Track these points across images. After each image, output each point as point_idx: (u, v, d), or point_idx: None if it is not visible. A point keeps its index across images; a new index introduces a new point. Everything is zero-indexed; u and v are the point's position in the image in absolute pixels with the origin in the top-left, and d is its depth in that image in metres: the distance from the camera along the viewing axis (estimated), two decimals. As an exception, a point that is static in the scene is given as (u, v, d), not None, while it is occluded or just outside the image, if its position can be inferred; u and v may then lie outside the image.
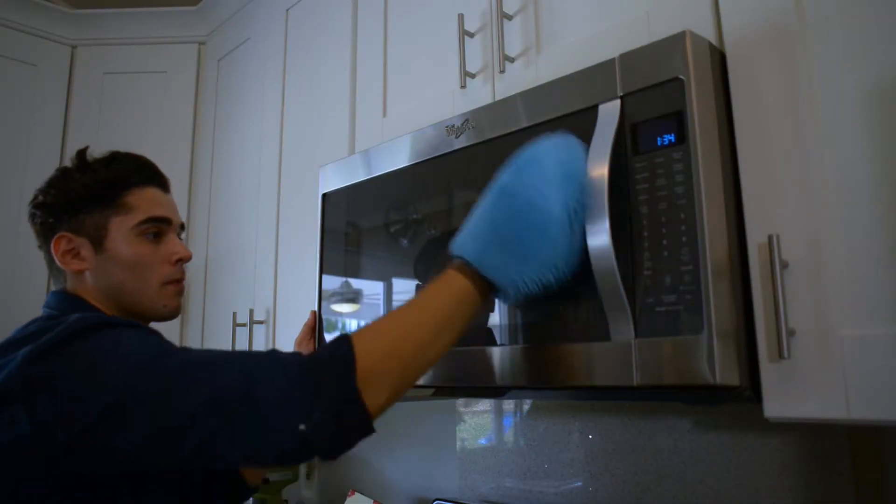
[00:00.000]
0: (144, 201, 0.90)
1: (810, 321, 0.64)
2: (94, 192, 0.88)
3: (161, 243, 0.91)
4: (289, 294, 1.46)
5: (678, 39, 0.71)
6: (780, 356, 0.63)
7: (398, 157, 1.05)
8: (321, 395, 0.65)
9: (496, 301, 0.84)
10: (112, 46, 1.96)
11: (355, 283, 1.14)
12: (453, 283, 0.73)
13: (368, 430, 0.68)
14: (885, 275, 0.61)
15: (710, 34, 0.75)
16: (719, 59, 0.74)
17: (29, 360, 0.68)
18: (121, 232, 0.88)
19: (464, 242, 0.75)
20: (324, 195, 1.21)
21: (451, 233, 0.97)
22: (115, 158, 0.92)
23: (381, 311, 1.07)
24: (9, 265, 1.77)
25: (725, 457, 1.03)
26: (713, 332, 0.65)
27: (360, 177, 1.13)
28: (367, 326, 0.71)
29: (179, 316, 0.95)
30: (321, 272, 1.19)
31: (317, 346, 1.16)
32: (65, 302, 0.88)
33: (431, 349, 0.71)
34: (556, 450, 1.27)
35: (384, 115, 1.25)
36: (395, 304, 1.05)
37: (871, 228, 0.62)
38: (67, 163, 0.92)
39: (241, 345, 1.51)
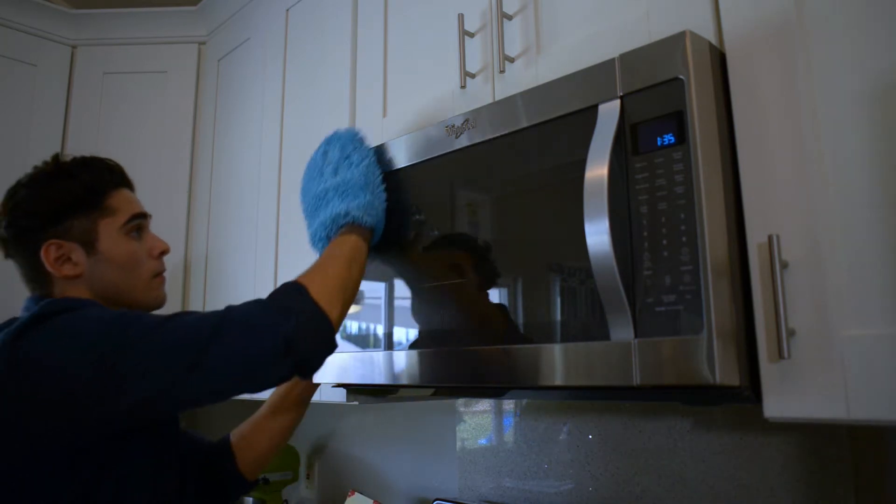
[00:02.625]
0: (124, 202, 0.96)
1: (810, 321, 0.64)
2: (81, 197, 0.91)
3: (143, 239, 0.97)
4: (289, 294, 1.45)
5: (678, 39, 0.71)
6: (780, 356, 0.63)
7: (398, 157, 1.05)
8: (294, 311, 0.79)
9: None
10: (112, 46, 1.96)
11: (355, 283, 1.14)
12: (346, 241, 0.93)
13: (332, 336, 0.83)
14: (885, 275, 0.61)
15: (710, 34, 0.75)
16: (719, 59, 0.74)
17: (6, 344, 0.73)
18: (110, 233, 0.92)
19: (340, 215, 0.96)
20: (324, 195, 1.21)
21: (451, 232, 0.97)
22: (87, 162, 0.95)
23: (382, 311, 1.07)
24: (9, 265, 1.77)
25: (725, 457, 1.03)
26: (713, 332, 0.65)
27: (360, 177, 1.13)
28: (301, 274, 0.87)
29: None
30: (321, 272, 1.19)
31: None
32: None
33: (349, 285, 0.89)
34: (556, 450, 1.27)
35: (384, 115, 1.25)
36: (396, 304, 1.05)
37: (871, 228, 0.62)
38: (33, 169, 0.94)
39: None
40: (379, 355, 1.05)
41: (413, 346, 1.00)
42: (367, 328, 1.10)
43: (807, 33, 0.68)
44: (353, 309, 1.13)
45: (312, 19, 1.53)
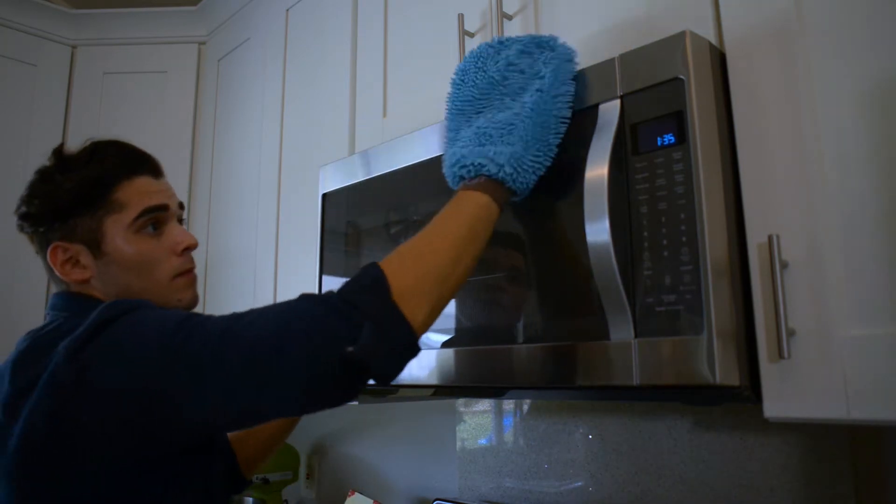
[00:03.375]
0: (136, 193, 0.83)
1: (810, 321, 0.64)
2: (81, 194, 0.81)
3: (163, 234, 0.85)
4: (289, 294, 1.45)
5: (678, 39, 0.71)
6: (780, 356, 0.63)
7: (398, 158, 1.05)
8: (361, 315, 0.64)
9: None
10: (112, 46, 1.96)
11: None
12: (470, 201, 0.75)
13: (414, 343, 0.67)
14: (885, 275, 0.61)
15: (710, 34, 0.75)
16: (719, 59, 0.74)
17: (70, 354, 0.66)
18: (118, 231, 0.81)
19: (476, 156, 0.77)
20: (324, 195, 1.21)
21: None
22: (95, 151, 0.84)
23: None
24: (9, 266, 1.77)
25: (725, 457, 1.03)
26: (713, 332, 0.65)
27: (360, 177, 1.13)
28: (391, 254, 0.71)
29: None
30: (321, 272, 1.19)
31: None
32: (73, 301, 0.82)
33: (457, 270, 0.71)
34: (556, 450, 1.27)
35: (384, 115, 1.25)
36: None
37: (871, 228, 0.62)
38: (45, 163, 0.86)
39: (241, 345, 1.51)
40: (379, 355, 1.04)
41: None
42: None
43: (807, 33, 0.68)
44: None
45: (312, 19, 1.53)
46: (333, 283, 1.16)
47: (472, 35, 1.07)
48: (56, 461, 0.65)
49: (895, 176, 0.61)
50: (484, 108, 0.84)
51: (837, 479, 0.92)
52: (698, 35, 0.72)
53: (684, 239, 0.68)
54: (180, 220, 0.90)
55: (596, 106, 0.77)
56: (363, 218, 1.14)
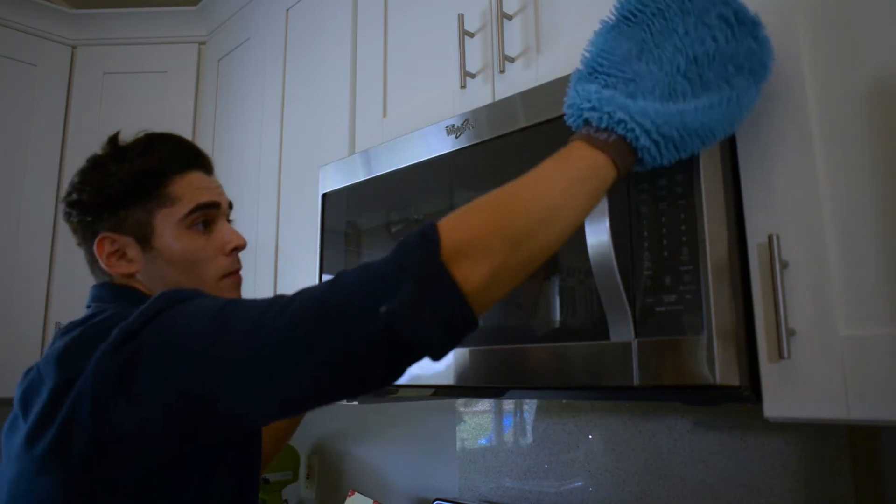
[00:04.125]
0: (189, 188, 0.81)
1: (810, 321, 0.64)
2: (133, 185, 0.78)
3: (212, 233, 0.83)
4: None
5: (678, 39, 0.71)
6: (780, 356, 0.63)
7: (398, 157, 1.05)
8: (402, 272, 0.55)
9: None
10: (112, 46, 1.96)
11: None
12: (584, 157, 0.61)
13: (466, 311, 0.56)
14: (885, 275, 0.61)
15: (710, 34, 0.75)
16: (719, 59, 0.74)
17: (120, 343, 0.63)
18: (168, 226, 0.79)
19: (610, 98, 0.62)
20: (324, 195, 1.21)
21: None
22: (151, 143, 0.82)
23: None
24: (9, 265, 1.77)
25: (725, 457, 1.03)
26: (713, 332, 0.65)
27: (361, 177, 1.13)
28: (465, 206, 0.60)
29: None
30: (321, 272, 1.19)
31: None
32: (120, 294, 0.79)
33: (538, 237, 0.59)
34: (556, 450, 1.27)
35: (384, 115, 1.25)
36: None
37: (871, 228, 0.62)
38: (78, 163, 0.84)
39: (241, 345, 1.51)
40: (379, 355, 1.05)
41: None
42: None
43: (807, 33, 0.68)
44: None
45: (312, 19, 1.53)
46: (333, 283, 1.16)
47: (472, 35, 1.07)
48: (98, 458, 0.62)
49: (895, 176, 0.61)
50: (659, 45, 0.66)
51: (837, 479, 0.92)
52: (698, 35, 0.72)
53: (684, 239, 0.68)
54: (228, 220, 0.88)
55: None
56: (363, 218, 1.14)
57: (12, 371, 1.73)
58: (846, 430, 0.92)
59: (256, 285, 1.55)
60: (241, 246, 0.85)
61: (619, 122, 0.61)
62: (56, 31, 1.93)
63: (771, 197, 0.68)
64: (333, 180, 1.19)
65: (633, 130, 0.61)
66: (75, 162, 0.85)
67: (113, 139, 0.83)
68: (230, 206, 0.88)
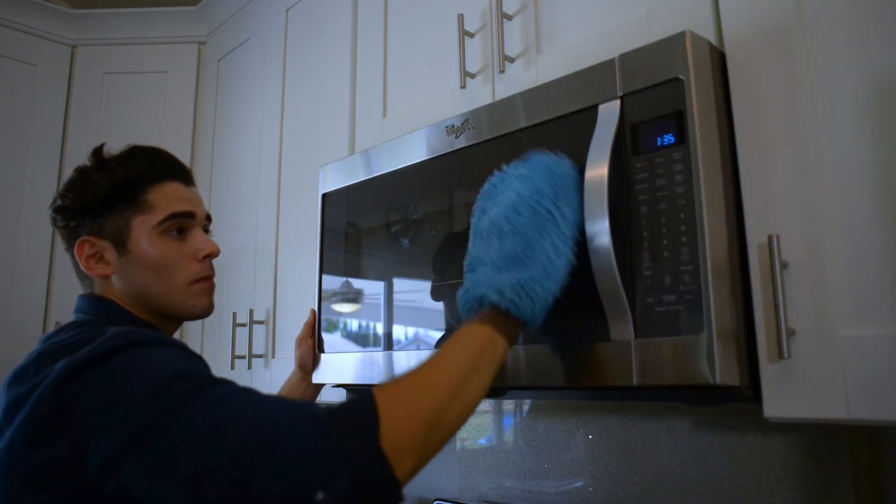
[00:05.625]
0: (165, 198, 0.86)
1: (810, 321, 0.64)
2: (113, 192, 0.84)
3: (186, 240, 0.87)
4: (289, 294, 1.46)
5: (678, 39, 0.71)
6: (780, 356, 0.63)
7: (398, 158, 1.05)
8: (343, 455, 0.59)
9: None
10: (112, 46, 1.96)
11: (355, 283, 1.14)
12: (472, 334, 0.71)
13: (398, 496, 0.61)
14: (885, 275, 0.61)
15: (710, 34, 0.75)
16: (719, 59, 0.74)
17: (63, 378, 0.65)
18: (143, 232, 0.84)
19: (478, 285, 0.72)
20: (324, 195, 1.21)
21: (453, 232, 0.97)
22: (133, 155, 0.87)
23: (381, 311, 1.07)
24: (9, 265, 1.77)
25: (725, 457, 1.03)
26: (713, 332, 0.65)
27: (361, 177, 1.13)
28: (389, 384, 0.67)
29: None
30: (321, 272, 1.19)
31: (316, 345, 1.16)
32: (96, 306, 0.85)
33: (453, 410, 0.67)
34: (556, 450, 1.27)
35: (384, 115, 1.25)
36: (396, 304, 1.05)
37: (871, 228, 0.62)
38: (77, 162, 0.88)
39: (241, 345, 1.51)
40: (379, 355, 1.05)
41: (411, 345, 1.00)
42: (367, 328, 1.10)
43: (807, 33, 0.68)
44: (353, 308, 1.14)
45: (312, 19, 1.53)
46: (333, 283, 1.16)
47: (472, 35, 1.07)
48: (32, 487, 0.65)
49: (895, 176, 0.61)
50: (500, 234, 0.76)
51: (837, 479, 0.92)
52: (698, 35, 0.72)
53: (684, 239, 0.68)
54: (206, 231, 0.92)
55: (596, 106, 0.77)
56: (363, 218, 1.14)
57: (12, 371, 1.73)
58: (846, 430, 0.92)
59: (256, 285, 1.55)
60: (214, 253, 0.89)
61: (484, 297, 0.71)
62: (56, 31, 1.93)
63: (771, 197, 0.68)
64: (333, 180, 1.19)
65: (495, 299, 0.70)
66: (75, 162, 0.89)
67: (97, 150, 0.88)
68: (208, 218, 0.93)
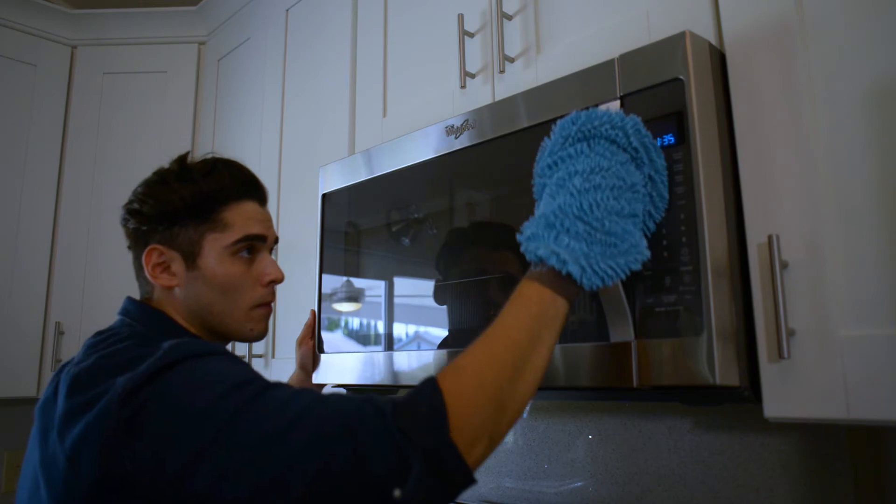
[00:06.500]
0: (241, 218, 0.85)
1: (810, 321, 0.64)
2: (192, 205, 0.83)
3: (254, 262, 0.87)
4: (289, 294, 1.46)
5: (678, 40, 0.71)
6: (780, 356, 0.63)
7: (398, 157, 1.05)
8: (410, 445, 0.59)
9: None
10: (112, 46, 1.96)
11: (356, 282, 1.14)
12: (531, 298, 0.67)
13: (470, 481, 0.61)
14: (885, 275, 0.61)
15: (710, 34, 0.75)
16: (719, 59, 0.74)
17: (127, 393, 0.64)
18: (215, 250, 0.83)
19: (536, 239, 0.67)
20: (324, 195, 1.21)
21: (453, 231, 0.97)
22: (215, 167, 0.87)
23: (381, 311, 1.07)
24: (9, 265, 1.77)
25: (725, 457, 1.03)
26: (713, 332, 0.65)
27: (361, 177, 1.13)
28: (452, 368, 0.65)
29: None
30: (321, 272, 1.19)
31: (316, 345, 1.16)
32: (151, 318, 0.84)
33: (521, 384, 0.66)
34: (556, 450, 1.27)
35: (384, 115, 1.25)
36: (397, 304, 1.05)
37: (871, 228, 0.62)
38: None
39: (241, 345, 1.51)
40: (379, 355, 1.05)
41: (412, 345, 1.00)
42: (368, 328, 1.10)
43: (807, 33, 0.68)
44: (353, 308, 1.14)
45: (312, 19, 1.53)
46: (333, 283, 1.16)
47: (472, 35, 1.07)
48: (100, 498, 0.64)
49: (895, 176, 0.61)
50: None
51: (837, 479, 0.92)
52: (698, 35, 0.72)
53: (684, 239, 0.68)
54: (271, 252, 0.92)
55: (596, 106, 0.77)
56: (363, 218, 1.14)
57: (12, 371, 1.73)
58: (846, 430, 0.92)
59: (256, 285, 1.55)
60: (279, 280, 0.89)
61: (547, 258, 0.65)
62: (56, 31, 1.93)
63: (771, 197, 0.68)
64: (333, 180, 1.19)
65: (558, 266, 0.65)
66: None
67: (182, 157, 0.87)
68: (276, 240, 0.93)
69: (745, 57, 0.72)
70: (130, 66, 1.95)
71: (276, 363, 1.45)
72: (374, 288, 1.10)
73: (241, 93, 1.76)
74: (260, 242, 0.87)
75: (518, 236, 0.68)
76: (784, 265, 0.65)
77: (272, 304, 0.90)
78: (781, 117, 0.68)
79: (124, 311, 0.84)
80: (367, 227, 1.13)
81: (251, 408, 0.63)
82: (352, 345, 1.11)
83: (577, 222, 0.66)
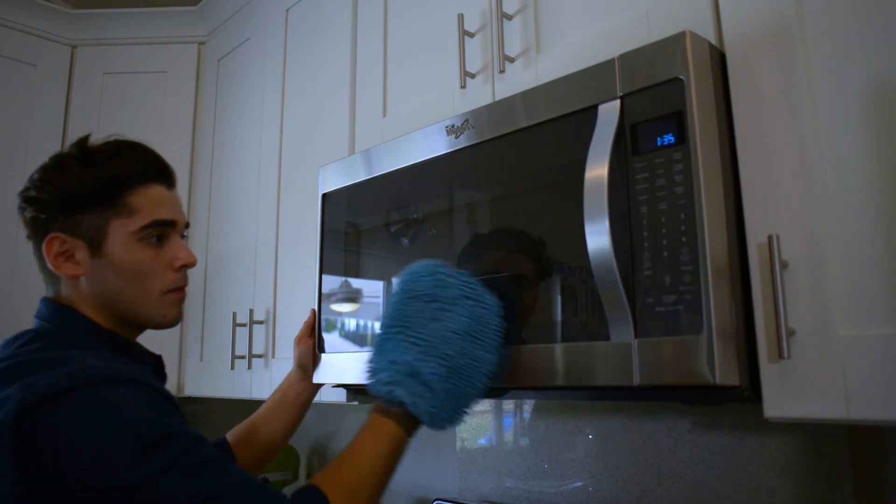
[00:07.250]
0: (148, 202, 0.81)
1: (810, 321, 0.64)
2: (95, 190, 0.79)
3: (164, 247, 0.83)
4: (289, 294, 1.46)
5: (678, 39, 0.71)
6: (780, 356, 0.63)
7: (398, 157, 1.05)
8: None
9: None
10: (112, 46, 1.96)
11: (355, 282, 1.14)
12: (387, 432, 0.79)
13: None
14: (885, 275, 0.61)
15: (710, 34, 0.75)
16: (719, 59, 0.74)
17: (22, 411, 0.62)
18: (121, 236, 0.80)
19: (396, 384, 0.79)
20: (324, 195, 1.21)
21: (454, 231, 0.97)
22: (120, 150, 0.82)
23: (381, 311, 1.07)
24: (8, 265, 1.77)
25: (725, 457, 1.03)
26: (713, 332, 0.65)
27: (361, 177, 1.13)
28: (325, 473, 0.75)
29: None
30: (321, 272, 1.19)
31: (316, 344, 1.16)
32: (58, 314, 0.81)
33: (380, 491, 0.78)
34: (556, 450, 1.27)
35: (384, 115, 1.25)
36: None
37: (871, 228, 0.62)
38: (56, 151, 0.84)
39: (242, 344, 1.51)
40: (379, 355, 1.04)
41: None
42: (367, 328, 1.10)
43: (807, 33, 0.68)
44: (352, 308, 1.14)
45: (312, 20, 1.53)
46: (333, 283, 1.16)
47: (472, 35, 1.07)
48: None
49: (895, 176, 0.61)
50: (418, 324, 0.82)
51: (837, 479, 0.92)
52: (698, 35, 0.72)
53: (684, 239, 0.68)
54: (183, 237, 0.88)
55: (596, 106, 0.77)
56: (363, 218, 1.14)
57: (12, 371, 1.73)
58: (846, 429, 0.92)
59: (257, 285, 1.55)
60: (191, 264, 0.86)
61: (400, 399, 0.78)
62: (56, 31, 1.93)
63: (771, 197, 0.68)
64: (333, 180, 1.19)
65: (415, 406, 0.78)
66: None
67: (82, 141, 0.83)
68: (187, 225, 0.89)
69: (745, 57, 0.72)
70: (130, 66, 1.95)
71: (276, 363, 1.45)
72: (373, 288, 1.10)
73: (241, 93, 1.76)
74: (169, 228, 0.84)
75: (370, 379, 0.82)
76: (784, 265, 0.65)
77: (185, 289, 0.87)
78: (781, 117, 0.68)
79: (38, 314, 0.81)
80: (367, 227, 1.13)
81: (163, 477, 0.62)
82: (352, 345, 1.11)
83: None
